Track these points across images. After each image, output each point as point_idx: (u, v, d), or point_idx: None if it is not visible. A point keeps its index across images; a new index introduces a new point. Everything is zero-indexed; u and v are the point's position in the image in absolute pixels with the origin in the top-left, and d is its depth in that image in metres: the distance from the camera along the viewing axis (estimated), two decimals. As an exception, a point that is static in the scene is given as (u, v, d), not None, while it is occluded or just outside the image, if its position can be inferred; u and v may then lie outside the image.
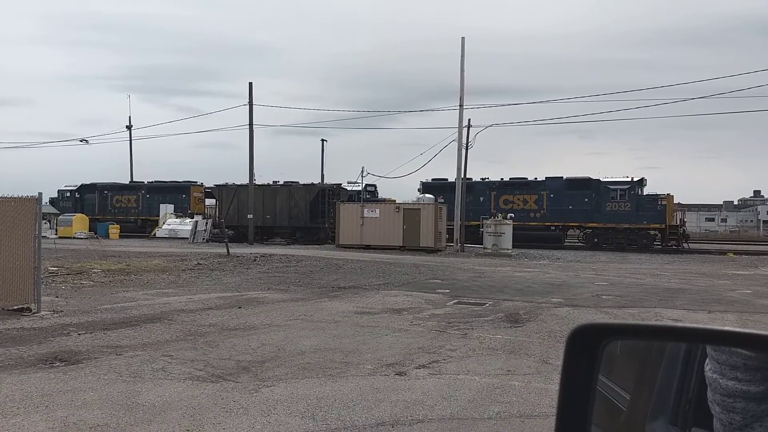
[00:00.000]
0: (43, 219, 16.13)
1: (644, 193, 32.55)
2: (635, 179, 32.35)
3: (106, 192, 43.19)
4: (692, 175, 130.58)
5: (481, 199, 34.31)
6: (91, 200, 43.31)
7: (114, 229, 37.95)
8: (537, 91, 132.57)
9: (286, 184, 36.72)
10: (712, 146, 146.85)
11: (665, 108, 47.11)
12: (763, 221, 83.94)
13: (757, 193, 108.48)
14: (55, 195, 44.87)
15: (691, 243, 32.89)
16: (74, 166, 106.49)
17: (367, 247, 28.49)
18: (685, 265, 22.80)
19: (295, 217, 35.30)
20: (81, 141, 46.52)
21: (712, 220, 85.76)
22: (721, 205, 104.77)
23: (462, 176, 29.36)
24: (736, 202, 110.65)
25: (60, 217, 39.91)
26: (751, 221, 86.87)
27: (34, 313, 9.55)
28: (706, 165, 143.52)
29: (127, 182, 45.18)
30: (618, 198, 31.90)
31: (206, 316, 9.65)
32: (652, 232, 31.87)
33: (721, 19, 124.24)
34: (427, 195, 32.30)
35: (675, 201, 33.30)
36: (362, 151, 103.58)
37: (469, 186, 32.12)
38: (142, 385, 5.68)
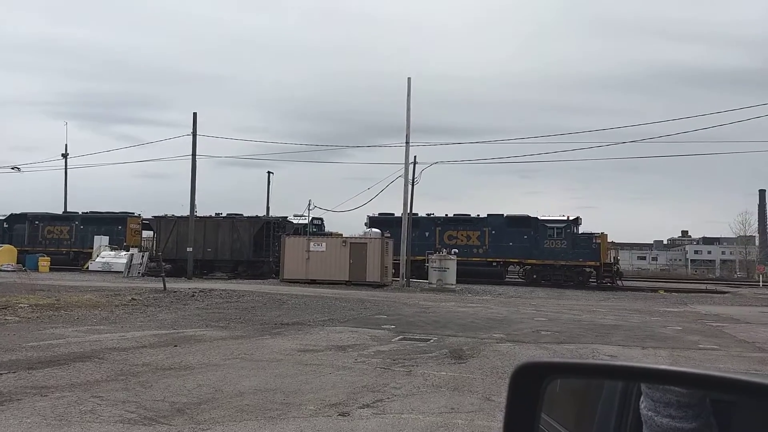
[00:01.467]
0: (-35, 250, 15.23)
1: (579, 232, 33.79)
2: (571, 218, 33.60)
3: (37, 222, 41.17)
4: (625, 215, 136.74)
5: (427, 234, 34.73)
6: (21, 231, 41.15)
7: (44, 262, 36.09)
8: (480, 131, 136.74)
9: (230, 216, 36.07)
10: (643, 188, 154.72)
11: (600, 150, 49.54)
12: (691, 260, 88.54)
13: (684, 233, 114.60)
14: (-18, 224, 42.45)
15: (624, 280, 34.20)
16: (4, 195, 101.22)
17: (313, 282, 28.17)
18: (619, 301, 23.62)
19: (237, 251, 34.60)
20: (12, 168, 44.44)
21: (644, 258, 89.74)
22: (652, 244, 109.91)
23: (408, 211, 29.69)
24: (665, 242, 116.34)
25: (-15, 248, 37.70)
26: (680, 260, 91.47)
27: (-51, 351, 8.88)
28: (638, 206, 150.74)
29: (61, 212, 43.27)
30: (555, 236, 32.98)
31: (139, 355, 9.22)
32: (588, 269, 33.00)
33: (654, 66, 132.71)
34: (374, 229, 32.43)
35: (609, 240, 34.73)
36: (309, 185, 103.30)
37: (415, 221, 32.50)
38: (68, 429, 5.34)
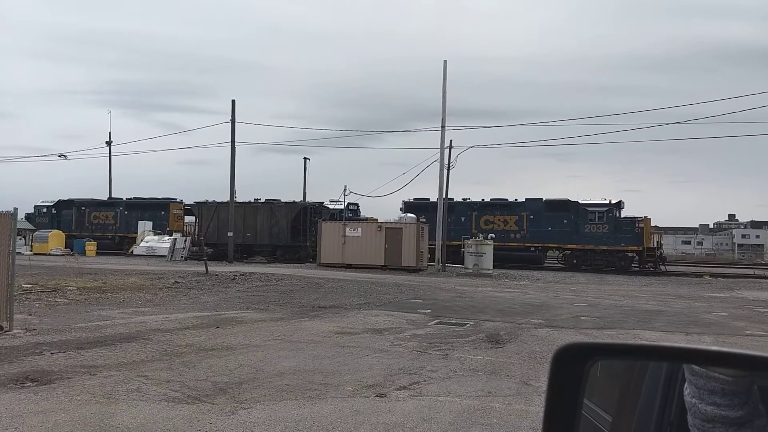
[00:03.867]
0: (18, 235, 15.89)
1: (622, 216, 32.98)
2: (613, 202, 32.81)
3: (83, 208, 42.57)
4: (669, 199, 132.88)
5: (463, 219, 34.48)
6: (69, 216, 42.65)
7: (91, 246, 37.35)
8: (518, 114, 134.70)
9: (268, 201, 36.57)
10: (688, 170, 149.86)
11: (643, 132, 48.13)
12: (738, 244, 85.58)
13: (731, 216, 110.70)
14: (32, 210, 44.16)
15: (667, 265, 33.34)
16: (52, 181, 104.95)
17: (349, 266, 28.38)
18: (662, 287, 23.07)
19: (276, 235, 35.09)
20: (60, 156, 45.92)
21: (689, 243, 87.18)
22: (697, 228, 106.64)
23: (444, 196, 29.52)
24: (711, 226, 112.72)
25: (36, 233, 39.25)
26: (726, 244, 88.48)
27: (6, 331, 9.31)
28: (683, 189, 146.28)
29: (106, 198, 44.61)
30: (596, 220, 32.29)
31: (183, 336, 9.49)
32: (630, 254, 32.25)
33: (699, 45, 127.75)
34: (409, 214, 32.37)
35: (652, 224, 33.81)
36: (345, 170, 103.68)
37: (451, 206, 32.29)
38: (115, 407, 5.55)
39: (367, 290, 18.32)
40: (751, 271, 34.07)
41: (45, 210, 43.78)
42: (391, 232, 28.90)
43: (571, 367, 1.26)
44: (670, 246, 63.29)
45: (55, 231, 39.36)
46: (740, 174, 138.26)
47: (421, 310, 13.53)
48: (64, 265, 22.74)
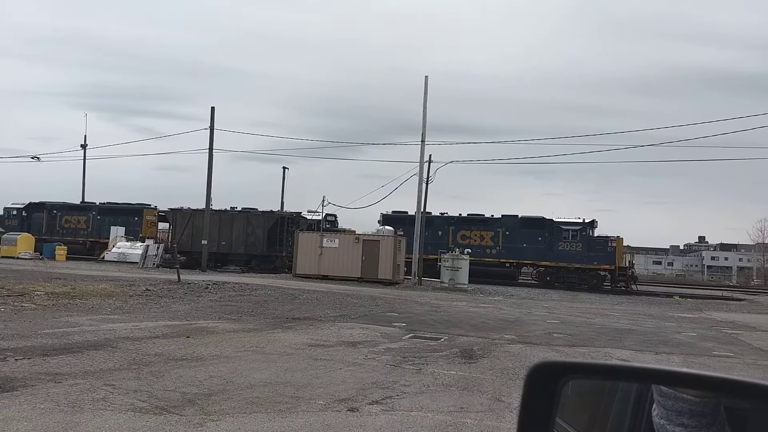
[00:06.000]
0: (-15, 237, 15.60)
1: (595, 235, 33.47)
2: (587, 221, 33.30)
3: (55, 211, 41.70)
4: (641, 219, 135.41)
5: (440, 233, 34.64)
6: (39, 219, 41.73)
7: (61, 251, 36.58)
8: (497, 131, 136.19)
9: (244, 210, 36.27)
10: (660, 192, 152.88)
11: (618, 153, 49.04)
12: (707, 266, 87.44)
13: (701, 239, 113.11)
14: (1, 212, 43.15)
15: (639, 285, 33.87)
16: (23, 183, 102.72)
17: (325, 278, 28.24)
18: (633, 306, 23.40)
19: (251, 245, 34.78)
20: (32, 158, 44.99)
21: (659, 263, 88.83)
22: (668, 249, 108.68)
23: (422, 210, 29.64)
24: (682, 247, 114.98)
25: (4, 235, 38.33)
26: (696, 266, 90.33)
27: (-33, 336, 9.04)
28: (655, 210, 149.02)
29: (78, 202, 43.78)
30: (570, 238, 32.72)
31: (152, 345, 9.32)
32: (602, 273, 32.72)
33: (675, 69, 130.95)
34: (387, 227, 32.40)
35: (624, 243, 34.35)
36: (324, 181, 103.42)
37: (429, 220, 32.42)
38: (80, 416, 5.41)
39: (343, 302, 18.23)
40: (719, 293, 34.78)
41: (15, 212, 42.78)
42: (369, 245, 28.87)
43: (544, 386, 1.27)
44: (641, 266, 64.36)
45: (25, 234, 38.49)
46: (711, 197, 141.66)
47: (396, 324, 13.50)
48: (33, 269, 22.21)
